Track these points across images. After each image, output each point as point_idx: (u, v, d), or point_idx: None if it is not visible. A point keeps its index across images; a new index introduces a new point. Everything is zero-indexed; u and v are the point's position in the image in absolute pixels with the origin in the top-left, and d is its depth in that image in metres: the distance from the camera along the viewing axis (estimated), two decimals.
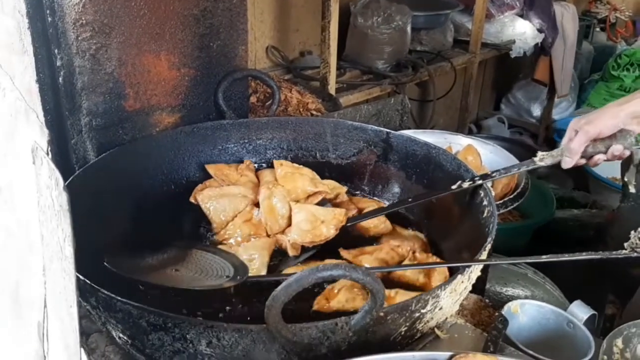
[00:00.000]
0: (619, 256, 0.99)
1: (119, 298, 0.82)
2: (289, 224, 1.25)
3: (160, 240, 1.20)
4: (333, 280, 0.75)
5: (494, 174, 1.24)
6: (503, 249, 1.59)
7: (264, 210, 1.26)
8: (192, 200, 1.32)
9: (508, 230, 2.68)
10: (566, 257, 0.97)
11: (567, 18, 3.53)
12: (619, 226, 1.93)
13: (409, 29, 2.61)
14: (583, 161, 1.21)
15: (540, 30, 3.30)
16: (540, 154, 1.23)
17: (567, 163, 1.21)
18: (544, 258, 0.97)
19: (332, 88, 2.25)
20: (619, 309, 1.75)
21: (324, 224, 1.24)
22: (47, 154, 0.56)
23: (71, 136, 1.29)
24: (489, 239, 1.00)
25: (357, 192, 1.46)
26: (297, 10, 2.73)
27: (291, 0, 2.70)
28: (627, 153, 1.19)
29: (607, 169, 3.42)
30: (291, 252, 1.20)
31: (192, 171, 1.43)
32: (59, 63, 1.20)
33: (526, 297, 1.97)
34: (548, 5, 3.36)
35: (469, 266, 0.91)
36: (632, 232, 0.97)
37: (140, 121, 1.35)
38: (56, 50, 1.19)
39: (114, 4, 1.21)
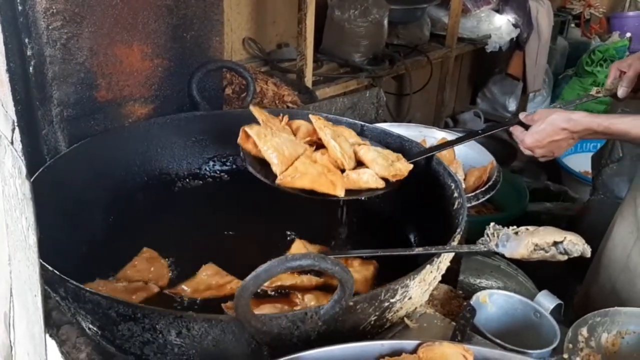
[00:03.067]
0: (472, 250, 0.98)
1: (87, 289, 0.82)
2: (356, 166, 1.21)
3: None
4: (302, 270, 0.76)
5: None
6: None
7: (336, 148, 1.19)
8: (239, 142, 1.21)
9: (482, 222, 2.70)
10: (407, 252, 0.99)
11: (542, 14, 3.57)
12: (590, 219, 1.98)
13: (385, 22, 2.62)
14: (630, 94, 1.43)
15: (515, 25, 3.33)
16: (595, 89, 1.48)
17: (624, 92, 1.43)
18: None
19: (308, 81, 2.25)
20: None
21: (396, 162, 1.22)
22: (11, 142, 0.55)
23: (42, 127, 1.28)
24: (458, 230, 1.01)
25: None
26: (274, 2, 2.72)
27: None
28: None
29: (579, 163, 3.49)
30: (380, 184, 1.17)
31: (165, 162, 1.42)
32: (29, 52, 1.19)
33: (499, 289, 2.00)
34: (524, 1, 3.40)
35: (437, 256, 0.93)
36: (487, 227, 0.96)
37: (112, 112, 1.34)
38: (27, 40, 1.18)
39: None
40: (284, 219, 1.36)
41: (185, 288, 1.07)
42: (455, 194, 1.15)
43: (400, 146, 1.37)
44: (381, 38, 2.65)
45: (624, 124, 1.27)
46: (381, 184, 1.18)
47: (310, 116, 1.31)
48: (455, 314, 1.08)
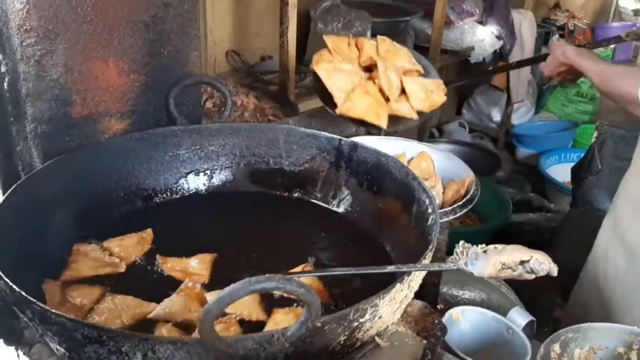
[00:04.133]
0: (443, 269, 0.99)
1: (53, 311, 0.81)
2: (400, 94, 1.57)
3: None
4: (266, 292, 0.76)
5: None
6: None
7: (384, 80, 1.55)
8: (312, 66, 1.58)
9: (466, 234, 2.71)
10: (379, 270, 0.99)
11: (525, 25, 3.60)
12: (569, 230, 1.99)
13: (369, 34, 2.62)
14: None
15: (498, 37, 3.36)
16: (625, 32, 1.64)
17: None
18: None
19: (291, 93, 2.25)
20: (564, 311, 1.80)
21: (434, 92, 1.60)
22: None
23: (17, 143, 1.27)
24: (430, 247, 1.02)
25: (310, 198, 1.47)
26: (258, 15, 2.72)
27: (252, 4, 2.69)
28: None
29: (563, 173, 3.51)
30: (415, 117, 1.56)
31: (142, 178, 1.41)
32: (3, 69, 1.19)
33: (482, 301, 2.00)
34: (506, 13, 3.43)
35: (408, 274, 0.93)
36: (456, 245, 0.96)
37: (88, 128, 1.33)
38: (1, 56, 1.17)
39: (60, 10, 1.19)
40: (261, 233, 1.36)
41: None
42: (430, 210, 1.16)
43: (376, 161, 1.37)
44: None
45: (593, 72, 1.50)
46: (415, 117, 1.57)
47: (378, 38, 1.71)
48: (430, 331, 1.08)
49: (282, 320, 0.96)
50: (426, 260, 0.99)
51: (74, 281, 1.12)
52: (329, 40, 1.67)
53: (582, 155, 3.46)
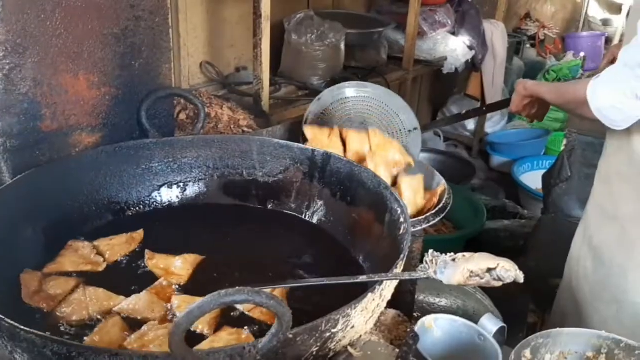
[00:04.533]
0: (413, 278, 1.00)
1: (22, 327, 0.80)
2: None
3: None
4: (234, 305, 0.76)
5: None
6: None
7: None
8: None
9: (441, 241, 2.75)
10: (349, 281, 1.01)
11: (497, 36, 3.66)
12: (542, 237, 2.03)
13: (342, 46, 2.65)
14: None
15: (470, 48, 3.41)
16: (587, 73, 1.47)
17: None
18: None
19: (265, 104, 2.25)
20: (540, 318, 1.83)
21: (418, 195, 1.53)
22: None
23: None
24: (402, 256, 1.02)
25: (284, 210, 1.47)
26: (231, 26, 2.73)
27: (225, 16, 2.70)
28: None
29: (536, 180, 3.57)
30: None
31: (114, 191, 1.40)
32: None
33: (458, 308, 2.02)
34: (478, 24, 3.49)
35: (379, 284, 0.94)
36: (426, 254, 0.98)
37: (58, 142, 1.32)
38: None
39: (28, 24, 1.19)
40: (235, 245, 1.36)
41: None
42: (402, 219, 1.17)
43: (349, 172, 1.38)
44: (338, 61, 2.68)
45: (547, 92, 1.57)
46: None
47: (370, 131, 1.65)
48: (403, 340, 1.09)
49: (222, 340, 0.96)
50: (398, 270, 1.00)
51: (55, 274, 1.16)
52: (307, 131, 1.65)
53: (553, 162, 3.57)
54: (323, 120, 1.90)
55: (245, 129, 1.96)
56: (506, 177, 3.87)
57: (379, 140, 1.65)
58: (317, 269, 1.30)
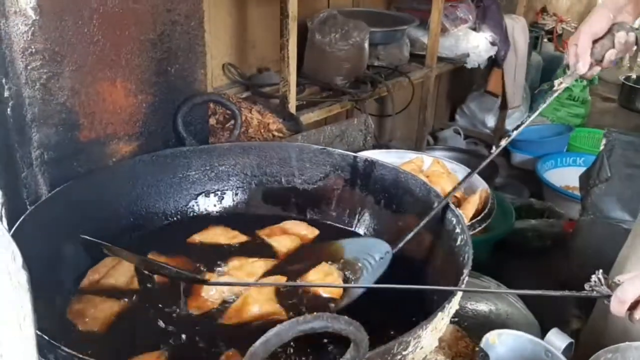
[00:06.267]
0: (581, 295, 0.97)
1: (80, 355, 0.76)
2: None
3: None
4: (314, 332, 0.72)
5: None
6: None
7: None
8: None
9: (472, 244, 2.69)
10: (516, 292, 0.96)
11: (518, 31, 3.60)
12: (581, 240, 1.97)
13: (366, 45, 2.60)
14: (598, 69, 1.27)
15: (493, 43, 3.35)
16: (557, 80, 1.30)
17: (581, 66, 1.24)
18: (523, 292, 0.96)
19: (292, 107, 2.21)
20: (584, 323, 1.77)
21: None
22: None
23: (21, 170, 1.21)
24: (465, 271, 0.98)
25: (324, 219, 1.42)
26: (253, 27, 2.69)
27: (247, 16, 2.65)
28: (633, 37, 1.25)
29: (560, 177, 3.51)
30: None
31: (151, 201, 1.36)
32: (6, 94, 1.13)
33: (490, 311, 1.97)
34: (499, 19, 3.42)
35: (449, 301, 0.89)
36: (594, 273, 0.95)
37: (95, 152, 1.28)
38: (4, 80, 1.12)
39: (66, 31, 1.14)
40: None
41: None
42: (457, 229, 1.12)
43: (395, 178, 1.33)
44: (362, 61, 2.63)
45: None
46: None
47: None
48: (464, 355, 1.05)
49: None
50: (463, 284, 0.95)
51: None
52: None
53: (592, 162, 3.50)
54: None
55: (276, 133, 1.91)
56: (528, 174, 3.80)
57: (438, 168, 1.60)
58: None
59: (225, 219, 1.43)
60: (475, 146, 4.16)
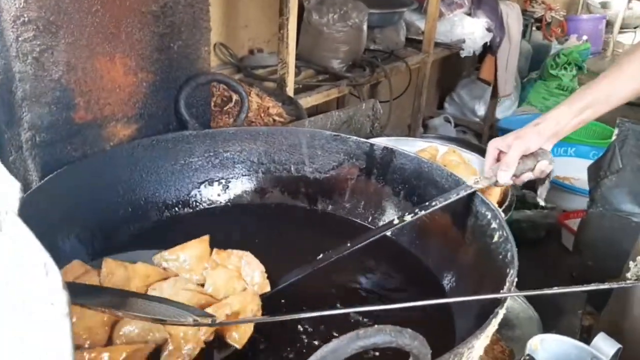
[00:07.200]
0: (627, 285, 0.91)
1: None
2: None
3: None
4: (375, 347, 0.62)
5: (433, 203, 1.12)
6: None
7: None
8: None
9: None
10: (575, 289, 0.89)
11: (512, 18, 3.53)
12: (590, 232, 1.91)
13: (365, 27, 2.49)
14: (511, 182, 1.25)
15: (488, 30, 3.27)
16: (473, 177, 1.18)
17: (504, 177, 1.21)
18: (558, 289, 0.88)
19: (290, 90, 2.10)
20: (596, 320, 1.72)
21: None
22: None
23: (9, 153, 1.09)
24: (512, 271, 0.89)
25: (336, 212, 1.33)
26: (246, 5, 2.56)
27: None
28: (550, 169, 1.29)
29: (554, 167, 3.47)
30: None
31: (151, 190, 1.25)
32: None
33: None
34: (495, 5, 3.35)
35: (501, 306, 0.80)
36: (631, 262, 0.90)
37: (91, 135, 1.16)
38: None
39: None
40: (290, 248, 1.21)
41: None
42: (494, 225, 1.03)
43: (416, 168, 1.24)
44: (361, 44, 2.52)
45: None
46: None
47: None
48: None
49: None
50: (512, 286, 0.87)
51: None
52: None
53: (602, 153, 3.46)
54: None
55: (276, 118, 1.80)
56: None
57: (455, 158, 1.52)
58: (388, 280, 1.16)
59: (229, 209, 1.33)
60: (464, 135, 4.10)
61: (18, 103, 1.03)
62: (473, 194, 1.11)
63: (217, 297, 0.96)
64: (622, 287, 0.90)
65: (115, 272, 0.95)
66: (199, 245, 1.02)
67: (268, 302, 0.99)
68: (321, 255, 1.07)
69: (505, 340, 1.27)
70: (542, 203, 1.41)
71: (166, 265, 1.01)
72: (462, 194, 1.11)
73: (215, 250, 1.03)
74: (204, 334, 0.87)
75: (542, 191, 1.43)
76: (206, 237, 1.04)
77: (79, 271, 0.95)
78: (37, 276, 0.34)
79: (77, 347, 0.80)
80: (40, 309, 0.32)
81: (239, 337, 0.90)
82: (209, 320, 0.86)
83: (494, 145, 1.30)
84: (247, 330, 0.91)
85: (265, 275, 1.02)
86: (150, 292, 0.93)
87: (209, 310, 0.91)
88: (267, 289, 1.01)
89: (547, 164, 1.26)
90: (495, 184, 1.23)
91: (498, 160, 1.29)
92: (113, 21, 1.11)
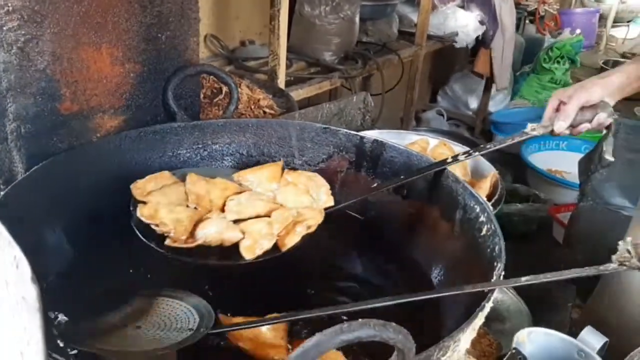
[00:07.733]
0: (607, 271, 0.91)
1: None
2: None
3: (110, 270, 1.02)
4: (359, 342, 0.62)
5: (487, 146, 1.28)
6: None
7: None
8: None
9: None
10: (555, 277, 0.89)
11: (506, 11, 3.52)
12: (581, 226, 1.92)
13: (357, 19, 2.48)
14: (567, 131, 1.27)
15: (481, 23, 3.26)
16: (530, 125, 1.26)
17: (561, 126, 1.25)
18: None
19: (281, 82, 2.09)
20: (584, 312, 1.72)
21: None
22: None
23: None
24: (499, 264, 0.89)
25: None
26: None
27: None
28: (609, 122, 1.28)
29: (544, 160, 3.47)
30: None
31: None
32: None
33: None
34: None
35: (487, 300, 0.80)
36: (620, 242, 0.90)
37: (78, 126, 1.15)
38: None
39: None
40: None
41: None
42: (482, 218, 1.03)
43: (406, 162, 1.24)
44: (353, 36, 2.51)
45: None
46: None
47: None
48: (488, 355, 0.96)
49: None
50: (499, 278, 0.86)
51: None
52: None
53: (574, 144, 3.47)
54: None
55: (267, 110, 1.79)
56: (510, 157, 3.75)
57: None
58: (374, 275, 1.16)
59: None
60: (457, 128, 4.10)
61: (2, 94, 1.02)
62: (462, 186, 1.11)
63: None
64: (604, 273, 0.90)
65: (197, 183, 1.13)
66: (273, 167, 1.22)
67: None
68: (375, 184, 1.24)
69: (494, 334, 1.27)
70: (610, 159, 1.40)
71: (244, 182, 1.18)
72: (517, 139, 1.23)
73: (286, 170, 1.22)
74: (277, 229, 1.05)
75: (608, 147, 1.42)
76: (280, 162, 1.24)
77: (169, 181, 1.15)
78: (7, 269, 0.33)
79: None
80: (11, 302, 0.31)
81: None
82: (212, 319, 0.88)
83: (556, 95, 1.31)
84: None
85: (330, 192, 1.19)
86: (229, 203, 1.10)
87: (276, 213, 1.08)
88: (331, 203, 1.18)
89: (606, 117, 1.26)
90: (551, 132, 1.26)
91: (557, 110, 1.29)
92: (99, 11, 1.10)
